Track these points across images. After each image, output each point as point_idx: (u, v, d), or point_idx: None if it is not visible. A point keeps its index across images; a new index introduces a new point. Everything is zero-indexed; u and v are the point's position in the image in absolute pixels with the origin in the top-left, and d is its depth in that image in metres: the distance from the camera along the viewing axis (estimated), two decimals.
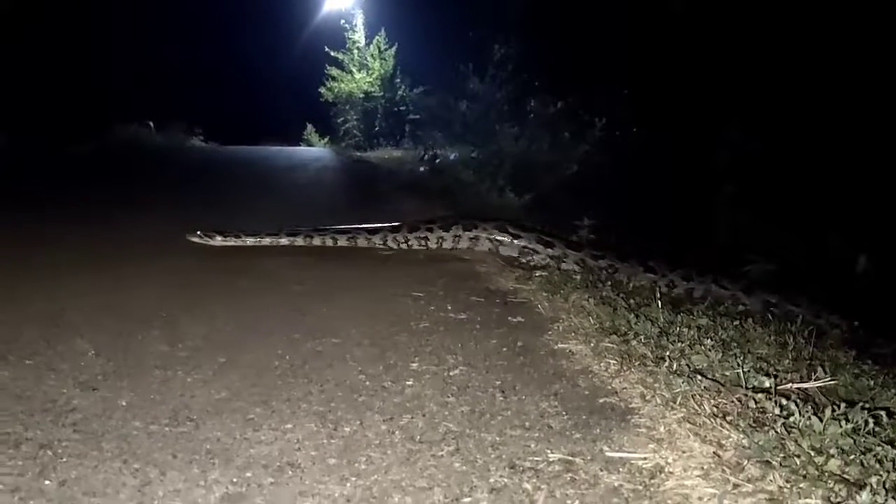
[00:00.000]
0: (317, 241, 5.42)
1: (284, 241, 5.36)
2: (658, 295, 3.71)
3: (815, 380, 2.69)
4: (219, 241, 5.21)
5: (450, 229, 5.52)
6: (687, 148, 10.87)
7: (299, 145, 27.98)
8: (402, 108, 24.22)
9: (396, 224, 5.64)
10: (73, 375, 2.56)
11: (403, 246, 5.51)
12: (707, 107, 11.35)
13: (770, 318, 4.13)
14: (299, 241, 5.39)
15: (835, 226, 7.08)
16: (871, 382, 2.95)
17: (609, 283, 4.24)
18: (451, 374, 2.70)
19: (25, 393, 2.38)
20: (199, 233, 5.20)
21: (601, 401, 2.45)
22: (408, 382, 2.59)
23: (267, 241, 5.35)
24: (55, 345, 2.89)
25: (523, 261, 5.22)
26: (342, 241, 5.48)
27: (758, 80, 11.11)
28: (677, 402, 2.34)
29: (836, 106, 9.89)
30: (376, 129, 24.51)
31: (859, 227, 8.05)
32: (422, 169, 12.67)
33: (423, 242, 5.52)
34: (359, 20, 24.97)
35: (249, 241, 5.31)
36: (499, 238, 5.43)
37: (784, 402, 2.24)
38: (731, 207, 9.14)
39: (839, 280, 6.84)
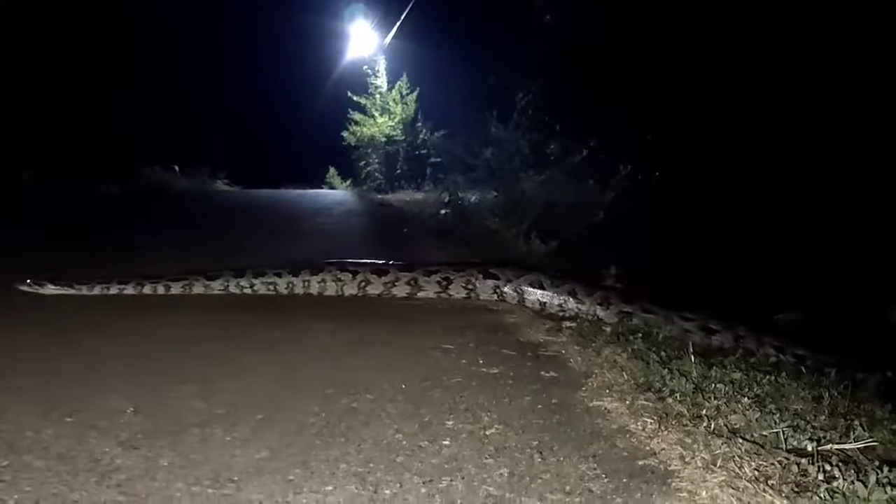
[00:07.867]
0: (147, 290, 5.35)
1: (114, 290, 5.29)
2: (691, 349, 3.69)
3: (854, 439, 2.66)
4: (51, 289, 5.18)
5: (299, 274, 5.54)
6: (708, 188, 10.91)
7: (322, 188, 28.32)
8: (423, 151, 24.44)
9: (241, 268, 5.62)
10: (114, 434, 2.59)
11: (248, 291, 5.50)
12: (727, 146, 11.41)
13: (803, 370, 4.10)
14: (129, 290, 5.32)
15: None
16: None
17: (640, 335, 4.22)
18: (488, 433, 2.69)
19: (69, 453, 2.41)
20: (28, 281, 5.16)
21: (640, 463, 2.43)
22: (444, 442, 2.59)
23: (97, 290, 5.27)
24: (92, 401, 2.92)
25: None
26: (175, 289, 5.40)
27: (779, 122, 11.15)
28: (717, 465, 2.32)
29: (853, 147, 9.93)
30: (398, 171, 24.73)
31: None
32: (443, 212, 12.70)
33: (271, 287, 5.53)
34: (381, 66, 25.41)
35: (84, 290, 5.25)
36: (341, 277, 5.53)
37: (827, 466, 2.22)
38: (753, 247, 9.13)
39: (870, 326, 6.76)
